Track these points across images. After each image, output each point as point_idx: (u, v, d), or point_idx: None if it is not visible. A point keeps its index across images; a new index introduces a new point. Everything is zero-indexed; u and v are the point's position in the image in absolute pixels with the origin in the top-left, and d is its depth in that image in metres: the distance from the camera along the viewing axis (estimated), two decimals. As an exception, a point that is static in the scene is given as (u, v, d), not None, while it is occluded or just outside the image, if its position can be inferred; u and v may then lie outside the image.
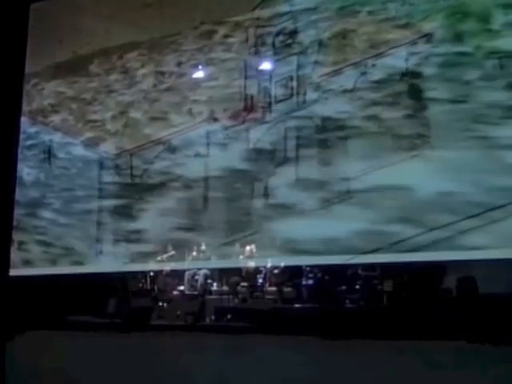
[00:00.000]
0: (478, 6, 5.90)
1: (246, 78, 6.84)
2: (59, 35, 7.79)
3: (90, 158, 7.39)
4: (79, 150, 7.54)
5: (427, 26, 6.19)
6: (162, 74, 7.73)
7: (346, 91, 5.97)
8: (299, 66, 6.57)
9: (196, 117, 6.88)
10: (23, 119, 7.84)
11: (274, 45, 7.14)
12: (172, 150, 6.73)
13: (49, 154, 7.81)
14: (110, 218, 6.90)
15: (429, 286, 5.06)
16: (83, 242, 6.95)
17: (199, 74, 7.73)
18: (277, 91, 6.57)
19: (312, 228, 5.44)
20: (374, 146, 5.52)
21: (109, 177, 7.10)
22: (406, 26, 6.23)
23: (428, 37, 6.12)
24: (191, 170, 6.51)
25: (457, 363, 4.41)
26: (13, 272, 6.99)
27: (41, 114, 8.28)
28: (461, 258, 4.73)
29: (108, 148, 7.26)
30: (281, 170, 5.83)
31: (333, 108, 5.87)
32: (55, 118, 8.21)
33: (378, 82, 5.78)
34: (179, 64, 7.69)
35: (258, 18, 7.18)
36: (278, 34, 7.17)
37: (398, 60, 5.86)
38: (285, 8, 6.75)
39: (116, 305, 6.40)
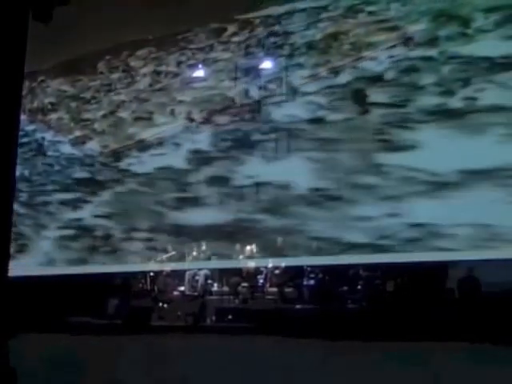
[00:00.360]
0: (463, 9, 6.01)
1: (231, 79, 7.10)
2: (70, 32, 7.90)
3: (74, 156, 7.85)
4: (67, 148, 7.98)
5: (412, 29, 6.29)
6: (159, 73, 7.80)
7: (306, 94, 6.43)
8: (280, 69, 6.79)
9: (177, 117, 7.28)
10: (23, 117, 8.04)
11: (263, 47, 7.26)
12: (141, 149, 7.23)
13: (38, 151, 8.19)
14: (59, 209, 7.54)
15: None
16: (31, 228, 7.65)
17: (192, 74, 7.79)
18: (253, 93, 6.86)
19: (205, 217, 6.22)
20: (281, 147, 6.16)
21: (80, 173, 7.68)
22: (393, 28, 6.34)
23: (406, 40, 6.21)
24: (142, 167, 7.11)
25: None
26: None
27: (41, 112, 8.49)
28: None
29: (93, 146, 7.71)
30: (203, 169, 6.53)
31: (282, 112, 6.41)
32: (53, 117, 8.43)
33: (333, 86, 6.21)
34: (179, 64, 7.75)
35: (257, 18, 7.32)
36: (267, 37, 7.26)
37: (373, 64, 6.16)
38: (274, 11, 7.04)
39: (115, 306, 6.41)
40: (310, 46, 6.68)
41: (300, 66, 6.53)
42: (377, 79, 5.91)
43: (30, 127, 8.26)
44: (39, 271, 7.03)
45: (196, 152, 6.59)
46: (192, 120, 7.06)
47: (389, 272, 5.41)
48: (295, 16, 6.84)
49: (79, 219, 7.15)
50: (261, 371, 5.05)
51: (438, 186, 5.08)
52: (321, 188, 5.48)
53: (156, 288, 6.39)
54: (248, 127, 6.42)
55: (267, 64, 6.88)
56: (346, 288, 5.45)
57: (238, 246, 5.77)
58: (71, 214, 7.29)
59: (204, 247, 6.02)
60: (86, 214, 7.18)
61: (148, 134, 7.05)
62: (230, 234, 5.76)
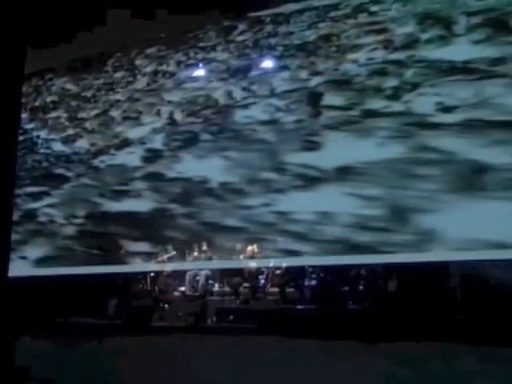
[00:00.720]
0: (448, 11, 6.04)
1: (219, 80, 7.18)
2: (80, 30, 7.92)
3: (63, 153, 8.02)
4: (58, 146, 8.16)
5: (398, 32, 6.31)
6: (156, 73, 7.81)
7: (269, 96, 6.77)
8: (266, 71, 6.84)
9: (162, 117, 7.51)
10: (24, 115, 8.22)
11: (258, 48, 7.27)
12: (118, 147, 7.57)
13: (31, 149, 8.32)
14: (25, 201, 7.89)
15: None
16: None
17: (186, 74, 7.80)
18: (236, 95, 6.97)
19: (131, 205, 6.95)
20: (213, 147, 6.79)
21: (58, 170, 8.01)
22: (382, 31, 6.36)
23: (387, 43, 6.23)
24: (105, 165, 7.55)
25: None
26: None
27: (42, 110, 8.55)
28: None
29: (82, 144, 7.93)
30: (148, 165, 7.16)
31: (244, 114, 6.78)
32: (52, 115, 8.48)
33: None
34: (179, 63, 7.76)
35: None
36: (267, 37, 7.27)
37: (352, 66, 6.37)
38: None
39: (114, 306, 6.40)
40: (301, 48, 6.79)
41: (285, 68, 6.81)
42: (345, 82, 6.21)
43: (30, 125, 8.33)
44: (39, 271, 7.09)
45: (150, 151, 7.23)
46: (173, 121, 7.36)
47: (389, 272, 5.38)
48: (304, 15, 6.89)
49: (35, 209, 7.73)
50: (262, 371, 5.04)
51: (314, 181, 5.81)
52: (228, 182, 6.32)
53: (156, 288, 6.36)
54: (199, 128, 6.99)
55: (256, 65, 6.93)
56: (346, 288, 5.43)
57: (149, 230, 6.65)
58: (31, 205, 7.82)
59: (123, 231, 6.87)
60: (41, 204, 7.75)
61: (133, 134, 7.43)
62: (147, 220, 6.66)
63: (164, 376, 5.42)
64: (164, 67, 7.79)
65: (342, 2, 6.66)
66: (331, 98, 6.15)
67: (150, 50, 8.00)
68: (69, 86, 8.38)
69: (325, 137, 5.93)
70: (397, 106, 5.71)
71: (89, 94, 8.15)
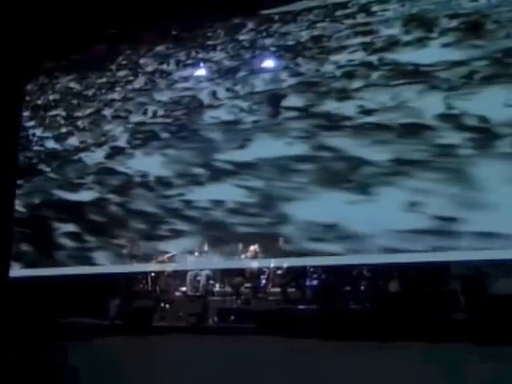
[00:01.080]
0: (436, 13, 6.07)
1: (208, 80, 7.22)
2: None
3: (54, 151, 8.07)
4: (50, 144, 8.18)
5: (383, 33, 6.33)
6: (154, 73, 7.81)
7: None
8: (250, 71, 6.88)
9: (147, 116, 7.58)
10: (26, 113, 8.30)
11: (253, 48, 7.28)
12: (99, 145, 7.73)
13: (26, 146, 8.18)
14: None
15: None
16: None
17: (180, 74, 7.80)
18: (220, 95, 7.04)
19: (80, 196, 7.42)
20: (160, 146, 7.17)
21: (40, 165, 8.06)
22: (368, 32, 6.39)
23: (367, 45, 6.24)
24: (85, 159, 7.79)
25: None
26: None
27: (43, 109, 8.60)
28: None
29: (73, 142, 7.99)
30: (106, 161, 7.49)
31: (211, 114, 7.01)
32: (52, 113, 8.52)
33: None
34: (178, 63, 7.75)
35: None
36: (264, 37, 7.26)
37: (331, 68, 6.44)
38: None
39: (117, 306, 6.39)
40: (289, 49, 6.80)
41: (269, 69, 6.85)
42: (315, 84, 6.34)
43: (29, 123, 8.39)
44: (39, 271, 7.13)
45: (113, 148, 7.54)
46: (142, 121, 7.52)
47: (392, 272, 5.40)
48: (312, 13, 6.94)
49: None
50: (263, 371, 5.05)
51: (222, 174, 6.47)
52: (161, 176, 6.88)
53: (157, 288, 6.36)
54: (160, 128, 7.34)
55: (246, 66, 6.97)
56: (348, 288, 5.45)
57: (79, 214, 7.24)
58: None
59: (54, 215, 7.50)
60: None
61: (117, 132, 7.65)
62: (89, 208, 7.22)
63: (165, 376, 5.43)
64: (164, 66, 7.78)
65: (352, 0, 6.69)
66: (294, 100, 6.39)
67: (159, 48, 8.01)
68: (72, 85, 8.43)
69: (256, 136, 6.44)
70: (335, 108, 6.12)
71: (90, 92, 8.16)
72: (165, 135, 7.21)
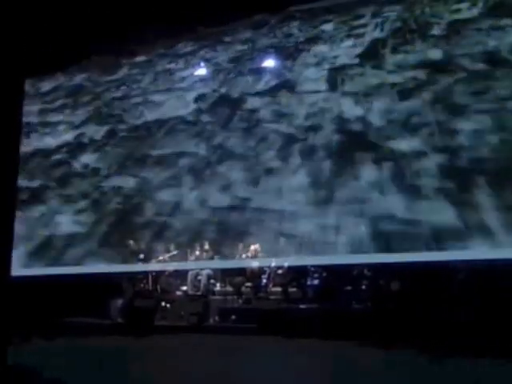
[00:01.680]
0: (424, 18, 6.07)
1: (201, 81, 7.27)
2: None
3: (50, 146, 8.48)
4: (48, 140, 8.61)
5: (369, 37, 6.36)
6: (158, 73, 7.84)
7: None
8: (239, 73, 6.93)
9: (137, 118, 7.94)
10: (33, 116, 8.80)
11: (252, 48, 7.29)
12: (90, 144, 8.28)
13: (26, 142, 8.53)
14: None
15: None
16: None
17: (179, 75, 7.84)
18: (208, 97, 7.10)
19: (32, 183, 8.08)
20: (108, 142, 7.81)
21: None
22: (360, 35, 6.41)
23: (351, 49, 6.25)
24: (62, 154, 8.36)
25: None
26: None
27: (60, 108, 8.95)
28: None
29: (68, 138, 8.46)
30: (70, 154, 8.20)
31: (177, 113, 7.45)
32: (58, 112, 8.68)
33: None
34: (186, 62, 7.77)
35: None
36: (267, 38, 7.27)
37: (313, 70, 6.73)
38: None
39: (116, 306, 6.41)
40: (282, 49, 6.79)
41: (255, 70, 6.80)
42: (290, 86, 6.69)
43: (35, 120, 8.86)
44: (39, 271, 7.10)
45: (81, 144, 8.19)
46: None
47: (392, 272, 5.41)
48: (332, 13, 6.96)
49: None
50: (264, 371, 5.05)
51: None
52: (96, 168, 7.64)
53: (158, 288, 6.37)
54: (123, 126, 7.94)
55: (239, 66, 6.96)
56: (349, 288, 5.44)
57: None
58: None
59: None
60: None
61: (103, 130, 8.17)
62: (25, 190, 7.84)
63: (166, 375, 5.43)
64: (173, 65, 7.82)
65: None
66: (252, 101, 6.82)
67: (180, 45, 8.10)
68: (85, 83, 8.56)
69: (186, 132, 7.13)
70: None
71: (98, 90, 8.25)
72: (121, 133, 7.72)
